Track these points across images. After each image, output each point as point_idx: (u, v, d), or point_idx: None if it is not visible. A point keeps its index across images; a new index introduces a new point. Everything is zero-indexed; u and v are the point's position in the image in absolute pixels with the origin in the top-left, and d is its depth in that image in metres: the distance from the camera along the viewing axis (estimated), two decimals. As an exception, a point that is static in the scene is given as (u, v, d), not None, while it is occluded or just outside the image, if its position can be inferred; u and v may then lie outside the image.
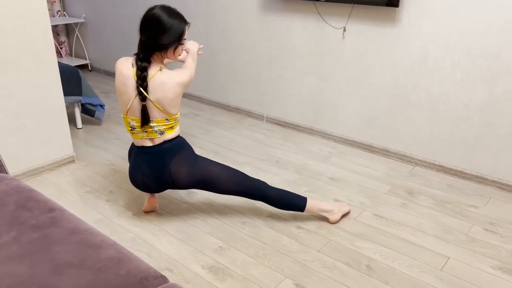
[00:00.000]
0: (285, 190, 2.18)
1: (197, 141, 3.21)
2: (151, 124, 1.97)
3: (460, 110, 2.59)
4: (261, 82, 3.52)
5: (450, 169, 2.73)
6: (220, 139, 3.26)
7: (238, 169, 2.30)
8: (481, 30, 2.39)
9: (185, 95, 4.14)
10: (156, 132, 1.99)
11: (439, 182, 2.67)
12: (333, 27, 2.96)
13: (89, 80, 4.61)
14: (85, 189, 2.54)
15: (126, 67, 1.93)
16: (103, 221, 2.23)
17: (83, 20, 4.83)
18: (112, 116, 3.68)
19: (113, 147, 3.09)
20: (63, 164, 2.78)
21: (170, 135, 2.03)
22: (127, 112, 1.98)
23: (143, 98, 1.90)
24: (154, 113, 1.95)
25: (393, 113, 2.87)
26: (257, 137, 3.31)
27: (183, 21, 1.95)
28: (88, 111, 3.39)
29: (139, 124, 1.97)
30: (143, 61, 1.89)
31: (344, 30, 2.91)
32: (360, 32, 2.84)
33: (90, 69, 5.08)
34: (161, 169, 2.02)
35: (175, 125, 2.04)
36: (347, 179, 2.68)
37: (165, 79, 1.90)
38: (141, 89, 1.88)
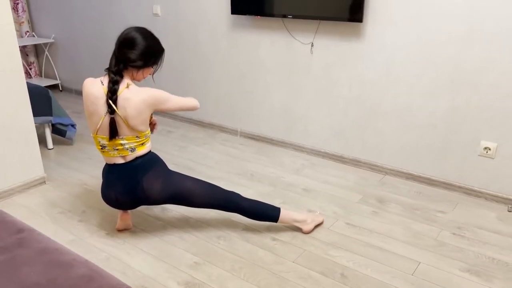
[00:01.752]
0: (259, 201, 2.21)
1: (171, 157, 3.21)
2: (122, 142, 1.97)
3: (425, 119, 2.69)
4: (234, 97, 3.56)
5: (419, 176, 2.81)
6: (194, 154, 3.27)
7: (212, 183, 2.32)
8: (441, 41, 2.51)
9: (158, 112, 4.14)
10: (127, 149, 1.99)
11: (408, 189, 2.74)
12: (301, 42, 3.04)
13: (60, 100, 4.56)
14: (57, 210, 2.50)
15: (95, 87, 1.94)
16: (75, 241, 2.20)
17: (53, 40, 4.79)
18: (84, 135, 3.64)
19: (85, 166, 3.06)
20: (33, 186, 2.73)
21: (141, 151, 2.03)
22: (97, 132, 1.98)
23: (111, 111, 1.90)
24: (123, 130, 1.95)
25: (362, 124, 2.95)
26: (231, 151, 3.33)
27: (160, 47, 2.03)
28: (59, 131, 3.35)
29: (108, 141, 1.97)
30: (116, 74, 1.91)
31: (312, 45, 2.99)
32: (327, 47, 2.93)
33: (60, 89, 5.02)
34: (134, 185, 2.02)
35: (145, 141, 2.05)
36: (320, 190, 2.73)
37: (129, 95, 1.91)
38: (111, 102, 1.89)
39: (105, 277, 1.23)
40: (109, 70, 1.94)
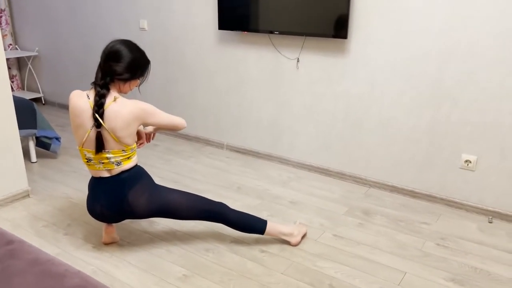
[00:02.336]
0: (246, 213, 2.22)
1: (157, 171, 3.20)
2: (108, 155, 1.97)
3: (408, 133, 2.77)
4: (220, 111, 3.59)
5: (402, 189, 2.88)
6: (180, 168, 3.27)
7: (199, 194, 2.33)
8: (421, 58, 2.60)
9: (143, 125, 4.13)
10: (113, 163, 1.99)
11: (393, 201, 2.80)
12: (287, 58, 3.10)
13: (43, 114, 4.51)
14: (41, 223, 2.46)
15: (82, 100, 1.94)
16: (61, 255, 2.17)
17: (36, 53, 4.76)
18: (68, 148, 3.60)
19: (70, 180, 3.02)
20: (17, 199, 2.68)
21: (127, 165, 2.03)
22: (83, 145, 1.97)
23: (98, 125, 1.91)
24: (110, 144, 1.95)
25: (347, 138, 3.02)
26: (217, 164, 3.34)
27: (146, 59, 2.04)
28: (43, 144, 3.31)
29: (94, 155, 1.97)
30: (103, 88, 1.91)
31: (298, 61, 3.06)
32: (313, 62, 3.00)
33: (43, 102, 4.97)
34: (120, 199, 2.01)
35: (132, 155, 2.05)
36: (306, 202, 2.76)
37: (118, 107, 1.92)
38: (97, 115, 1.89)
39: (99, 287, 1.22)
40: (95, 84, 1.95)
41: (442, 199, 2.75)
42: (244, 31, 3.11)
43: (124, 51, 1.95)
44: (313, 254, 2.22)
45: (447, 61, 2.53)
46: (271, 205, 2.72)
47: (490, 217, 2.59)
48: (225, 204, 2.20)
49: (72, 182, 2.99)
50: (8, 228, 2.40)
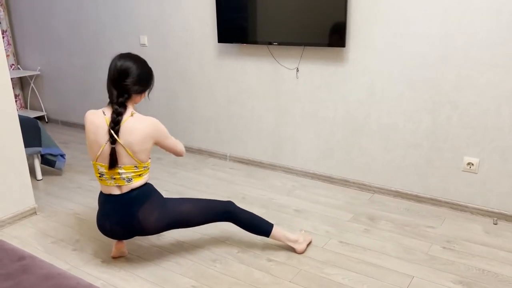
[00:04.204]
0: (254, 214, 2.25)
1: (162, 184, 3.22)
2: (119, 171, 1.99)
3: (409, 137, 2.79)
4: (222, 122, 3.63)
5: (406, 194, 2.89)
6: (184, 180, 3.29)
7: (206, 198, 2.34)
8: (419, 64, 2.64)
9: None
10: (124, 179, 2.02)
11: (397, 207, 2.82)
12: (287, 68, 3.14)
13: (47, 131, 4.54)
14: (50, 240, 2.48)
15: (98, 117, 2.00)
16: (71, 270, 2.18)
17: (39, 72, 4.82)
18: (73, 165, 3.63)
19: (76, 196, 3.05)
20: (24, 217, 2.71)
21: (137, 182, 2.05)
22: (97, 159, 2.01)
23: (113, 141, 1.94)
24: (123, 159, 1.98)
25: (348, 145, 3.04)
26: (221, 176, 3.37)
27: (149, 67, 2.11)
28: (48, 162, 3.34)
29: (108, 170, 2.00)
30: (120, 106, 1.97)
31: (297, 70, 3.10)
32: (312, 71, 3.04)
33: (46, 120, 5.02)
34: (129, 218, 2.03)
35: (143, 172, 2.07)
36: (311, 210, 2.78)
37: (134, 122, 1.97)
38: (112, 132, 1.93)
39: (111, 299, 1.24)
40: (112, 103, 2.00)
41: (446, 202, 2.76)
42: (243, 43, 3.16)
43: (133, 67, 2.00)
44: (320, 261, 2.23)
45: (445, 65, 2.56)
46: (276, 213, 2.74)
47: (495, 219, 2.60)
48: (233, 202, 2.24)
49: (78, 198, 3.02)
50: (17, 246, 2.41)
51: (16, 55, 4.98)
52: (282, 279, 2.09)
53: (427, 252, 2.29)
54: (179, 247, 2.38)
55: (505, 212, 2.59)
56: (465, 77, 2.52)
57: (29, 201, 2.73)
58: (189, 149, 3.90)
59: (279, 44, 3.00)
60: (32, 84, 4.94)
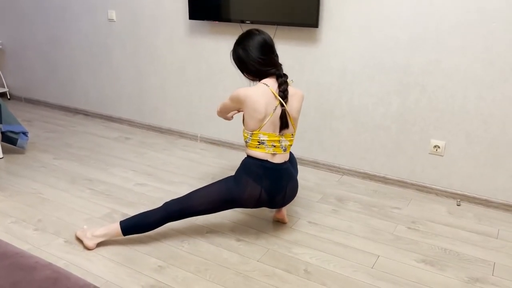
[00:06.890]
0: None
1: (130, 164, 3.15)
2: (280, 139, 2.07)
3: (378, 120, 2.82)
4: (193, 102, 3.56)
5: (374, 175, 2.93)
6: (153, 161, 3.23)
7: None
8: (390, 47, 2.65)
9: (114, 119, 4.06)
10: (282, 147, 2.09)
11: (365, 188, 2.85)
12: (259, 47, 3.09)
13: (9, 109, 4.35)
14: (10, 220, 2.39)
15: (258, 88, 2.03)
16: (32, 250, 2.11)
17: (0, 47, 4.59)
18: (37, 144, 3.50)
19: (40, 175, 2.94)
20: (-17, 196, 2.60)
21: (287, 154, 2.14)
22: (260, 128, 2.04)
23: (282, 105, 2.02)
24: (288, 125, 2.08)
25: (320, 127, 3.05)
26: (192, 157, 3.32)
27: None
28: (10, 140, 3.20)
29: (271, 138, 2.05)
30: (284, 76, 2.06)
31: (270, 50, 3.05)
32: (285, 51, 3.01)
33: (9, 97, 4.80)
34: (290, 185, 2.13)
35: (292, 144, 2.20)
36: (281, 191, 2.77)
37: (294, 90, 2.10)
38: (282, 100, 2.02)
39: (71, 278, 1.20)
40: (276, 74, 2.05)
41: (412, 184, 2.82)
42: (215, 20, 3.08)
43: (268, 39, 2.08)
44: (288, 241, 2.24)
45: (415, 49, 2.58)
46: (246, 194, 2.72)
47: (459, 200, 2.68)
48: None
49: (42, 177, 2.91)
50: (-25, 226, 2.31)
51: (-25, 27, 4.72)
52: (250, 258, 2.09)
53: (393, 232, 2.34)
54: (146, 227, 2.33)
55: (468, 194, 2.67)
56: (434, 61, 2.54)
57: (-11, 180, 2.62)
58: (158, 129, 3.82)
59: (252, 22, 2.94)
60: (-7, 59, 4.71)
